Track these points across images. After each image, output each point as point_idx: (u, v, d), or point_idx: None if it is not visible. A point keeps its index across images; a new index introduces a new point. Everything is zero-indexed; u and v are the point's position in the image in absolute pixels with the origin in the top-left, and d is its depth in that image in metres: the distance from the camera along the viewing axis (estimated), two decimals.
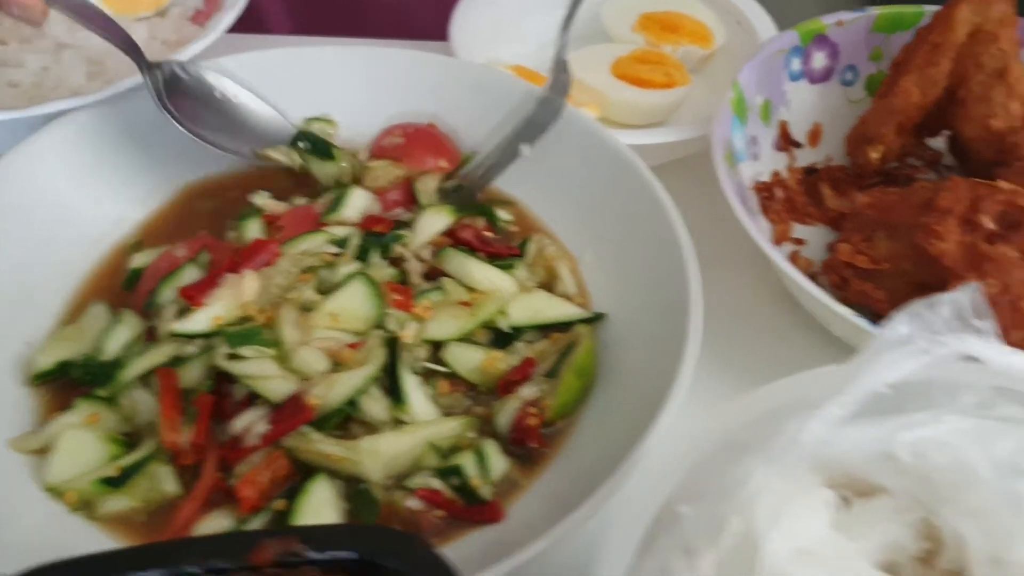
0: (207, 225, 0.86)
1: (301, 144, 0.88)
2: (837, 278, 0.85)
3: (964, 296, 0.54)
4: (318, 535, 0.50)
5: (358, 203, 0.83)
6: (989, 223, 0.80)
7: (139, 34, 1.04)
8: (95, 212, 0.86)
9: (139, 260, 0.82)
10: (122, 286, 0.81)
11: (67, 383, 0.75)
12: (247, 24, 1.28)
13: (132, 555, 0.51)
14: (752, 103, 0.93)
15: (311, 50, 0.94)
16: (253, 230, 0.82)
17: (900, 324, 0.53)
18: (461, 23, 1.04)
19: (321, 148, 0.87)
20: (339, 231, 0.80)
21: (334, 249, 0.79)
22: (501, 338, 0.77)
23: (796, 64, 0.98)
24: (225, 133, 0.87)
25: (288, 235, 0.80)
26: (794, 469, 0.52)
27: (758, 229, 0.86)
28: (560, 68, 0.92)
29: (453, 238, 0.82)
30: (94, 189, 0.86)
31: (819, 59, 0.99)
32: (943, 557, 0.51)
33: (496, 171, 0.89)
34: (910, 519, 0.52)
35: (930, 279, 0.79)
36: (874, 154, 0.93)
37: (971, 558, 0.49)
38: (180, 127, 0.83)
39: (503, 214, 0.87)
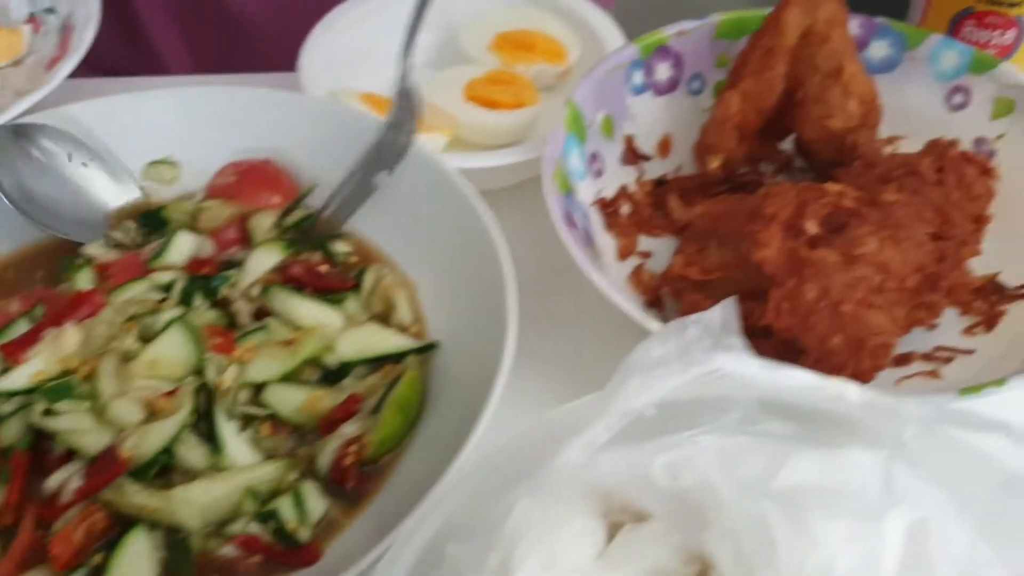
0: (45, 277, 0.85)
1: (134, 228, 0.88)
2: (672, 291, 0.85)
3: (715, 315, 0.55)
4: None
5: (184, 247, 0.83)
6: (813, 227, 0.80)
7: None
8: None
9: None
10: None
11: None
12: (147, 65, 1.28)
13: None
14: (591, 119, 0.94)
15: (151, 93, 0.94)
16: (84, 281, 0.81)
17: (652, 346, 0.53)
18: (311, 53, 1.04)
19: (152, 222, 0.87)
20: (164, 276, 0.80)
21: (158, 296, 0.78)
22: (330, 375, 0.77)
23: (638, 77, 0.98)
24: (63, 204, 0.87)
25: (116, 283, 0.79)
26: (556, 499, 0.52)
27: (602, 245, 0.87)
28: (404, 94, 0.92)
29: (284, 275, 0.82)
30: None
31: (663, 70, 1.00)
32: None
33: (353, 204, 0.89)
34: (675, 543, 0.52)
35: (757, 287, 0.80)
36: (714, 163, 0.93)
37: None
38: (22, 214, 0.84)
39: (341, 246, 0.87)
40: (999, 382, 0.71)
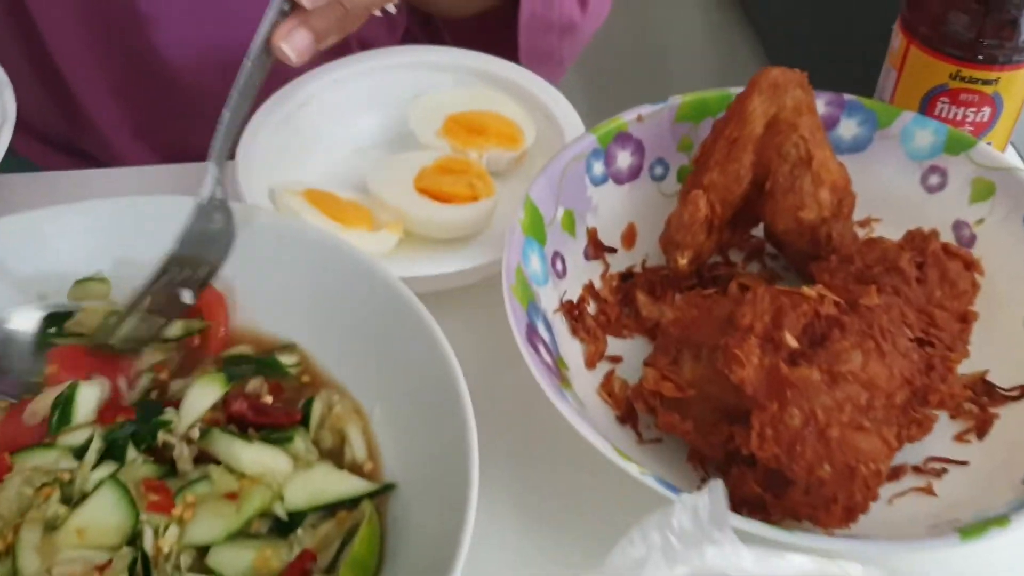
0: None
1: None
2: (645, 407, 0.80)
3: (702, 501, 0.49)
4: None
5: (90, 403, 0.75)
6: (792, 340, 0.75)
7: None
8: None
9: None
10: None
11: None
12: (95, 147, 1.22)
13: None
14: (551, 217, 0.88)
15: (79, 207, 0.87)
16: None
17: (633, 546, 0.48)
18: (247, 147, 0.98)
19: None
20: (74, 439, 0.72)
21: (72, 464, 0.71)
22: (280, 525, 0.71)
23: (598, 167, 0.93)
24: None
25: (9, 449, 0.72)
26: None
27: (568, 353, 0.82)
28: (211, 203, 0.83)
29: (227, 411, 0.76)
30: None
31: (623, 158, 0.95)
32: None
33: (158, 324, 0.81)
34: None
35: (736, 406, 0.75)
36: (683, 260, 0.88)
37: None
38: None
39: (287, 359, 0.81)
40: (1002, 521, 0.66)
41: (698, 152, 0.91)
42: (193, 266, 0.81)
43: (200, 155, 1.11)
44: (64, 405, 0.74)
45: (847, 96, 0.95)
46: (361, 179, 1.01)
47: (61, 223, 0.86)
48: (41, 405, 0.75)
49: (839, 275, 0.84)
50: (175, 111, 1.24)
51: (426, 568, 0.65)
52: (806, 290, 0.78)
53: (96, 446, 0.71)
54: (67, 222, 0.86)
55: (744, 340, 0.74)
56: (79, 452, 0.71)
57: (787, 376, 0.72)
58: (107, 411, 0.74)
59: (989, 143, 0.94)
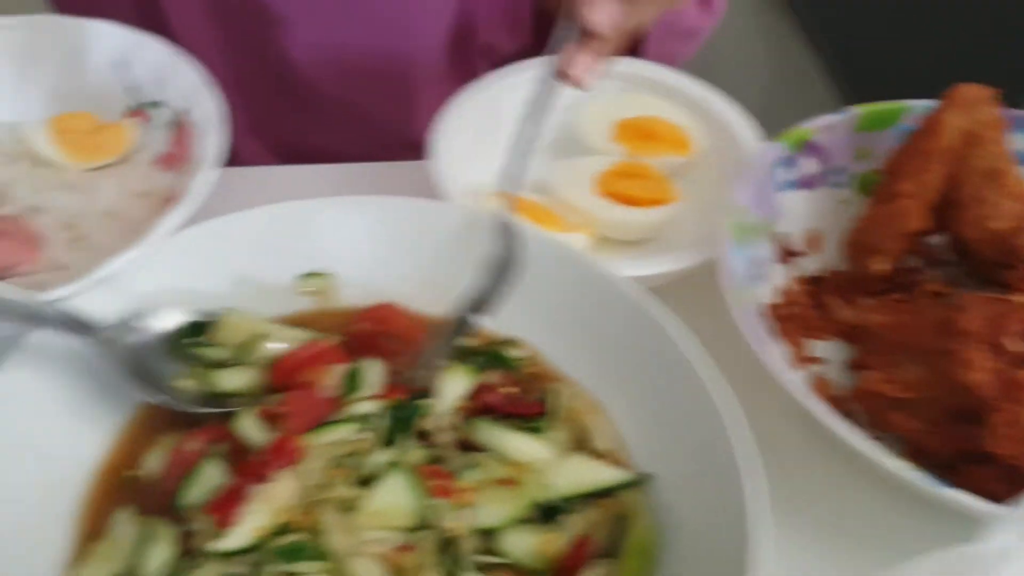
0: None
1: None
2: (868, 407, 0.84)
3: None
4: None
5: (375, 376, 0.79)
6: (1015, 344, 0.80)
7: (108, 189, 0.99)
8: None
9: (151, 463, 0.78)
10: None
11: None
12: None
13: None
14: (749, 222, 0.93)
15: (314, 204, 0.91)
16: (250, 426, 0.77)
17: (992, 536, 0.52)
18: (441, 146, 1.00)
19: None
20: (363, 408, 0.76)
21: (362, 436, 0.75)
22: (546, 511, 0.75)
23: (786, 174, 0.98)
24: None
25: (299, 425, 0.76)
26: None
27: (775, 355, 0.85)
28: (506, 227, 0.85)
29: (477, 401, 0.80)
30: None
31: (808, 165, 0.99)
32: None
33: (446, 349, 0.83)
34: None
35: (963, 407, 0.79)
36: (880, 265, 0.93)
37: None
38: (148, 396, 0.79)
39: (514, 352, 0.85)
40: None
41: (888, 162, 0.95)
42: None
43: (312, 154, 1.15)
44: (353, 375, 0.78)
45: (1017, 111, 1.00)
46: (532, 181, 1.04)
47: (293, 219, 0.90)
48: (330, 378, 0.79)
49: None
50: (293, 109, 1.27)
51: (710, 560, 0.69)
52: (1017, 297, 0.83)
53: (384, 423, 0.75)
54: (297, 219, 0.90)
55: (969, 344, 0.79)
56: (366, 425, 0.75)
57: (1018, 379, 0.77)
58: (389, 389, 0.79)
59: None
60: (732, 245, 0.89)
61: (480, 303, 0.83)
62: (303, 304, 0.89)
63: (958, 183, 0.93)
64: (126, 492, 0.77)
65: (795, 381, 0.79)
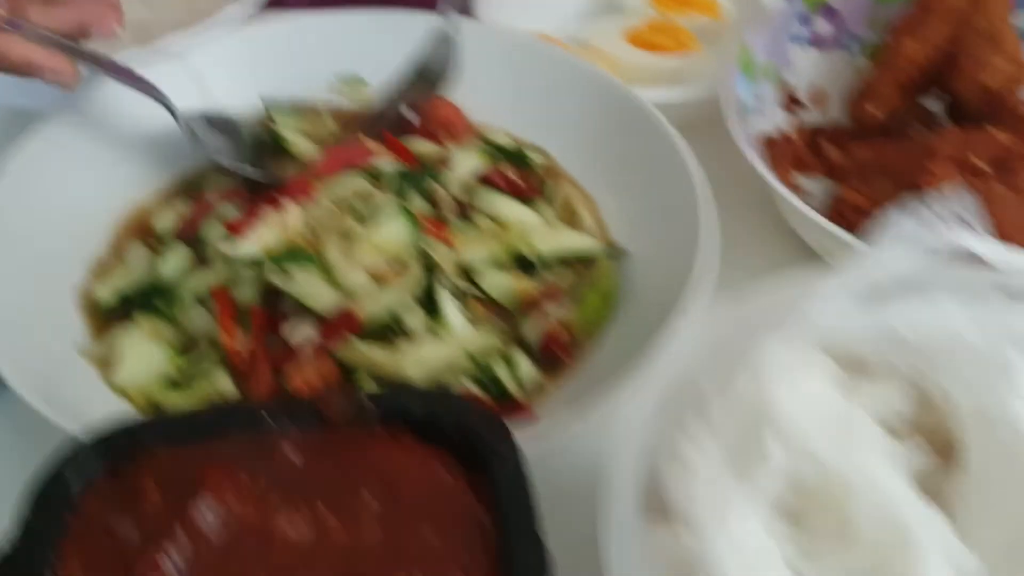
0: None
1: None
2: (836, 214, 0.91)
3: (955, 197, 0.60)
4: (382, 395, 0.57)
5: None
6: (981, 164, 0.86)
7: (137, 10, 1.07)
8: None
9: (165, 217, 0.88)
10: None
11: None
12: None
13: (219, 413, 0.57)
14: (758, 62, 1.00)
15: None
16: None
17: (899, 220, 0.59)
18: None
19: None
20: (380, 163, 0.86)
21: (371, 186, 0.84)
22: (526, 268, 0.83)
23: (801, 30, 1.04)
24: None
25: (322, 171, 0.86)
26: (802, 344, 0.58)
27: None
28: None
29: (482, 180, 0.88)
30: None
31: (822, 26, 1.06)
32: (934, 420, 0.57)
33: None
34: (906, 389, 0.58)
35: None
36: (876, 111, 0.99)
37: (961, 415, 0.55)
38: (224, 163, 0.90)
39: (536, 157, 0.94)
40: None
41: (899, 22, 1.01)
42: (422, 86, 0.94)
43: None
44: None
45: None
46: (571, 38, 1.13)
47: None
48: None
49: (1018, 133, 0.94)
50: None
51: (657, 317, 0.77)
52: (993, 130, 0.89)
53: (395, 174, 0.85)
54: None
55: (941, 161, 0.86)
56: (375, 177, 0.85)
57: (978, 186, 0.83)
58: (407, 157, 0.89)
59: None
60: (739, 76, 0.96)
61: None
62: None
63: (958, 42, 0.99)
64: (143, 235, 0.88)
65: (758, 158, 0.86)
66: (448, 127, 0.96)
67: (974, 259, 0.59)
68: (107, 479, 0.52)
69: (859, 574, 0.51)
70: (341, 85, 0.99)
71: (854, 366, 0.59)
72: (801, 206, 0.84)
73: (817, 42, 1.06)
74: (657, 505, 0.54)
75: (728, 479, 0.52)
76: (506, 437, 0.53)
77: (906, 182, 0.88)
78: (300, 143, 0.93)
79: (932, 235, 0.59)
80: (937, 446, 0.57)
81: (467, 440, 0.53)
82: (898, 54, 0.98)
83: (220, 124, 0.92)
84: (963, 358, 0.55)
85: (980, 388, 0.54)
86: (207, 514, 0.50)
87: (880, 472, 0.53)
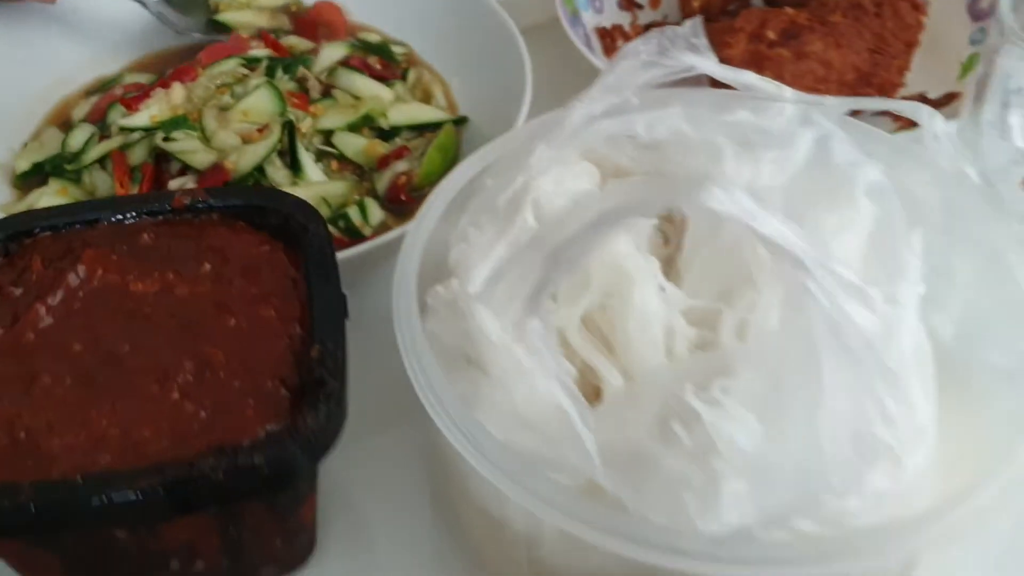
0: None
1: None
2: None
3: (688, 25, 0.74)
4: (218, 191, 0.70)
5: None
6: (773, 35, 1.00)
7: None
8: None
9: (81, 109, 1.02)
10: None
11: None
12: None
13: (93, 206, 0.71)
14: None
15: None
16: None
17: (638, 44, 0.73)
18: None
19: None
20: (255, 52, 1.00)
21: (245, 71, 0.98)
22: (382, 136, 0.97)
23: None
24: None
25: (206, 60, 0.99)
26: (564, 147, 0.72)
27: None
28: None
29: (345, 64, 1.02)
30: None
31: None
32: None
33: None
34: (651, 186, 0.71)
35: None
36: (695, 2, 1.13)
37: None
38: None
39: (398, 48, 1.07)
40: None
41: None
42: None
43: None
44: None
45: None
46: None
47: None
48: None
49: (817, 11, 1.08)
50: None
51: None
52: (787, 9, 1.03)
53: (265, 61, 0.98)
54: None
55: (736, 34, 1.00)
56: (250, 63, 0.99)
57: (765, 53, 0.98)
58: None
59: None
60: None
61: None
62: None
63: None
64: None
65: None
66: (329, 25, 1.10)
67: (702, 78, 0.73)
68: (3, 259, 0.66)
69: (593, 307, 0.65)
70: None
71: (614, 173, 0.73)
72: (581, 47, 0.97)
73: None
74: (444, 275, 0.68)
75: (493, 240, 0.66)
76: (316, 218, 0.67)
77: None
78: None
79: (667, 54, 0.73)
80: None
81: (287, 224, 0.67)
82: None
83: None
84: (684, 148, 0.69)
85: (696, 170, 0.68)
86: (79, 279, 0.64)
87: (618, 239, 0.67)
